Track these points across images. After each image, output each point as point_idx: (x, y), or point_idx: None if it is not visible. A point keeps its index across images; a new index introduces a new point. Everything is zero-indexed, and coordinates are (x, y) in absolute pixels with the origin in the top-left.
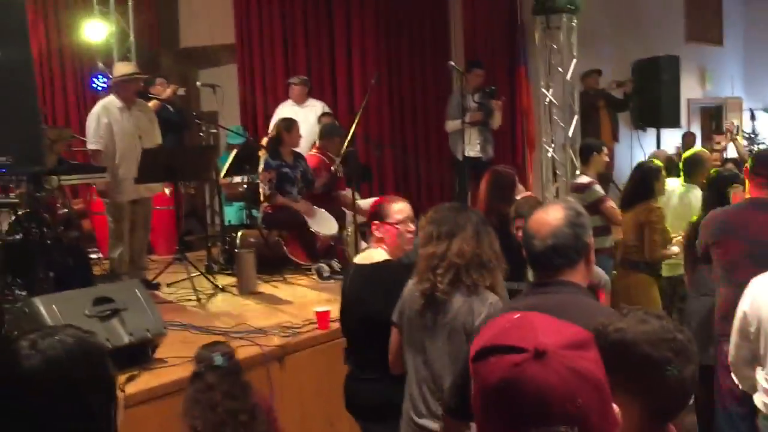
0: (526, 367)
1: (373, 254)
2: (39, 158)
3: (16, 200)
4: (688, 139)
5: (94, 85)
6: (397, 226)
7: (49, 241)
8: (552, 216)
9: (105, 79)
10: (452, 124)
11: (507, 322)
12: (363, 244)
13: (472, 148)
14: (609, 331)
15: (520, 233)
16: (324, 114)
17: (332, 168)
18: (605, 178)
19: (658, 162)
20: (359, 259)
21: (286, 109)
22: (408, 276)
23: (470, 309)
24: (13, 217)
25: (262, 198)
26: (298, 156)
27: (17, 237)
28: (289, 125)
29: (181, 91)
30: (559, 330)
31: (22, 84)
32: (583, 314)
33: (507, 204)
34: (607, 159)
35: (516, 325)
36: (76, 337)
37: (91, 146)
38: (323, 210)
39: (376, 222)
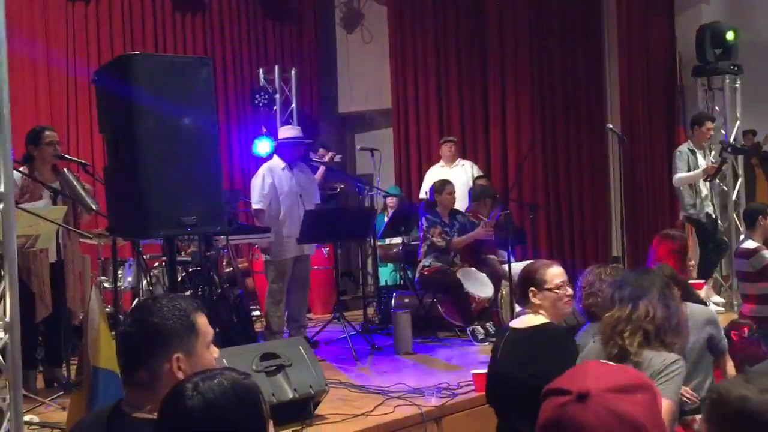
0: (568, 408)
1: (530, 319)
2: (219, 219)
3: (188, 258)
4: None
5: (257, 150)
6: (556, 291)
7: (215, 298)
8: None
9: (268, 144)
10: (684, 178)
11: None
12: (517, 308)
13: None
14: (732, 399)
15: None
16: (478, 177)
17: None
18: None
19: None
20: (515, 324)
21: (435, 170)
22: (568, 339)
23: (661, 362)
24: (183, 274)
25: (420, 257)
26: (455, 213)
27: (186, 294)
28: (438, 187)
29: (337, 158)
30: (610, 375)
31: (208, 149)
32: None
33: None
34: None
35: (575, 371)
36: (232, 379)
37: (255, 206)
38: (478, 271)
39: (533, 289)
